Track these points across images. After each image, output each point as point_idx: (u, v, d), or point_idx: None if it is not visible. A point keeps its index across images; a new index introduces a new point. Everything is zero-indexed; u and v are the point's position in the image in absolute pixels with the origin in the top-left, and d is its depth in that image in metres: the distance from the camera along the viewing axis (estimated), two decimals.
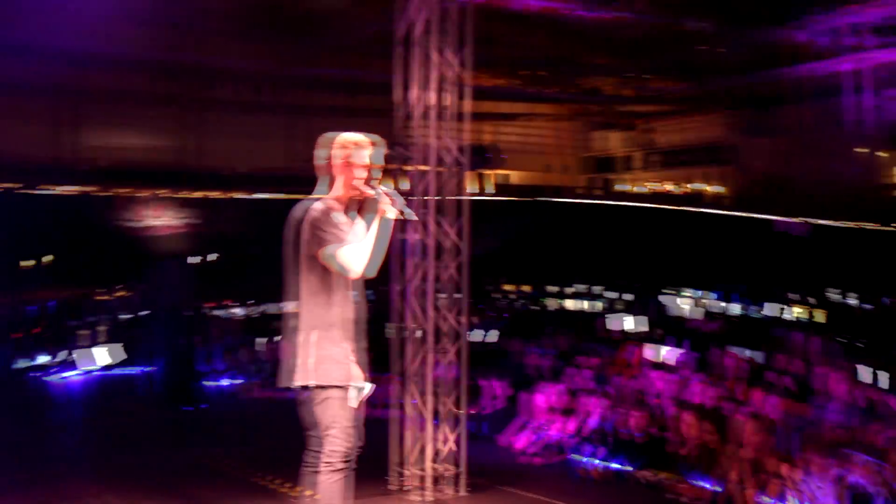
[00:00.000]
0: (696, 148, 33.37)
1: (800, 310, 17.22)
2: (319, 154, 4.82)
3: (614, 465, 7.39)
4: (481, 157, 7.87)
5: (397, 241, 7.19)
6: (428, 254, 7.14)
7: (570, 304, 19.06)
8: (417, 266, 7.23)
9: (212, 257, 24.46)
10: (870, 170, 25.67)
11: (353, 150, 4.77)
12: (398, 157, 7.26)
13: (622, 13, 20.57)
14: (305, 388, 4.70)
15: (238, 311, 16.67)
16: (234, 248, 24.80)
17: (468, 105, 7.32)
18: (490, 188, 31.85)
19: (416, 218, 4.69)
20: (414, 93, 7.25)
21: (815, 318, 16.18)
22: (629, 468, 7.27)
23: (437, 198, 7.19)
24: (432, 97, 7.19)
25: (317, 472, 4.68)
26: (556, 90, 30.09)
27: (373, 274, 4.69)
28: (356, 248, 4.65)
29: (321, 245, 4.61)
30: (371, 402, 9.32)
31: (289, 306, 4.78)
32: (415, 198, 7.23)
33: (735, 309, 18.06)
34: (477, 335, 12.72)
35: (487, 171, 30.09)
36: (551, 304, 19.63)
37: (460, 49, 7.12)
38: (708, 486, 6.67)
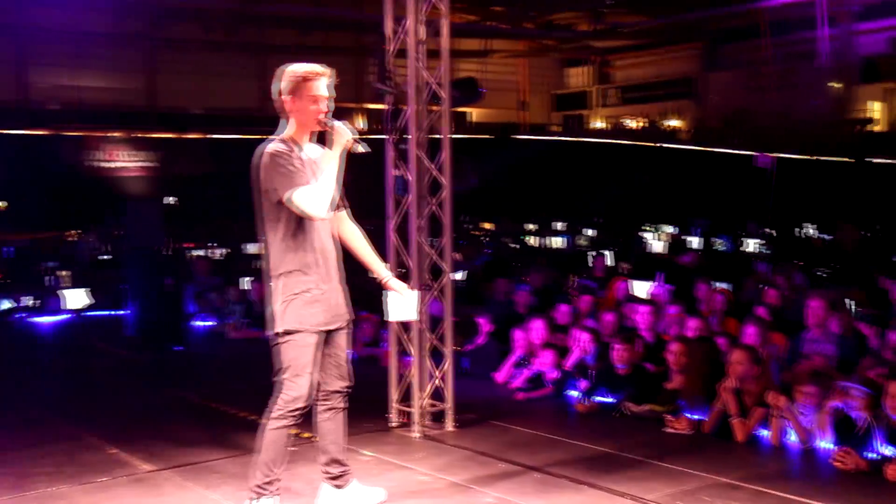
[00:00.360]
0: (655, 83, 33.40)
1: (759, 242, 17.39)
2: (275, 89, 4.62)
3: (601, 398, 7.44)
4: (464, 92, 7.72)
5: (387, 177, 7.14)
6: (411, 190, 7.06)
7: (554, 242, 19.15)
8: (400, 203, 7.17)
9: (170, 200, 24.11)
10: (833, 103, 25.80)
11: (308, 81, 4.57)
12: (382, 92, 7.13)
13: None
14: (277, 334, 4.58)
15: (217, 252, 16.48)
16: (194, 190, 24.49)
17: (448, 40, 7.20)
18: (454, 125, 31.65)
19: (368, 149, 4.58)
20: (390, 27, 7.11)
21: (775, 250, 16.35)
22: (615, 400, 7.32)
23: (420, 135, 7.09)
24: (421, 31, 7.04)
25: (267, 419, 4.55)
26: (513, 26, 29.81)
27: (327, 214, 4.52)
28: (315, 189, 4.44)
29: (281, 187, 4.42)
30: (361, 341, 9.29)
31: (259, 249, 4.68)
32: (395, 135, 7.15)
33: (698, 243, 18.19)
34: (461, 274, 12.75)
35: (465, 109, 29.92)
36: (531, 241, 19.71)
37: None
38: (694, 416, 6.73)
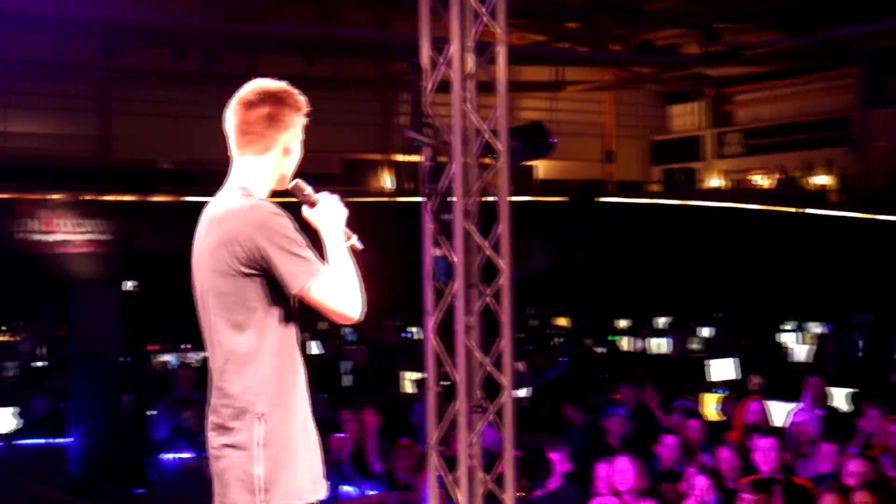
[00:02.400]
0: (792, 125, 33.48)
1: None
2: (258, 113, 4.19)
3: None
4: (529, 142, 7.77)
5: (424, 259, 7.23)
6: (456, 276, 7.15)
7: (655, 344, 19.12)
8: (442, 293, 7.26)
9: (129, 286, 24.38)
10: None
11: (304, 114, 4.26)
12: (418, 144, 7.26)
13: None
14: None
15: (192, 357, 16.65)
16: (161, 272, 24.80)
17: (506, 72, 7.36)
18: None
19: (360, 245, 4.25)
20: (427, 55, 7.29)
21: None
22: None
23: (468, 199, 7.21)
24: (469, 61, 7.22)
25: None
26: (594, 49, 30.13)
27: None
28: (347, 275, 4.11)
29: (299, 270, 4.00)
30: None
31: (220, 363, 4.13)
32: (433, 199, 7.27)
33: (862, 348, 18.06)
34: (525, 390, 12.81)
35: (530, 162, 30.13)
36: (623, 344, 19.66)
37: None
38: None
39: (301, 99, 4.23)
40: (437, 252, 7.30)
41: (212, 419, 4.14)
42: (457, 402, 7.14)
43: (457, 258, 7.15)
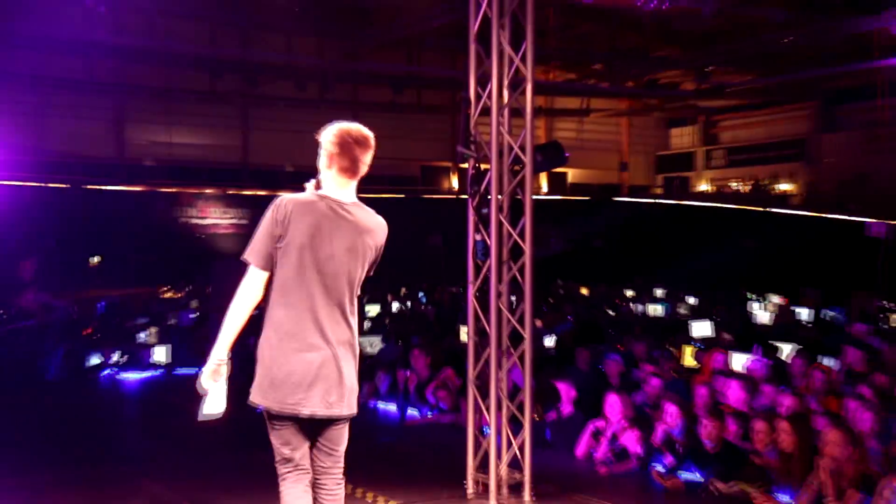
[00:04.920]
0: (764, 145, 33.05)
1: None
2: (367, 153, 4.53)
3: (687, 475, 7.39)
4: (548, 155, 7.93)
5: (468, 241, 7.31)
6: (491, 255, 7.22)
7: (649, 308, 18.99)
8: (480, 268, 7.33)
9: None
10: None
11: None
12: (465, 157, 7.32)
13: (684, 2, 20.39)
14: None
15: None
16: None
17: (531, 103, 7.37)
18: (545, 187, 31.90)
19: None
20: (473, 90, 7.34)
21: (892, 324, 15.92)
22: (702, 479, 7.27)
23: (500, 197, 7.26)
24: (505, 94, 7.26)
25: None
26: (613, 85, 29.91)
27: None
28: None
29: None
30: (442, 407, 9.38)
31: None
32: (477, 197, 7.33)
33: (808, 314, 17.79)
34: (551, 340, 12.79)
35: (563, 169, 30.01)
36: (630, 308, 19.57)
37: (526, 42, 7.16)
38: (786, 497, 6.65)
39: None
40: (478, 237, 7.36)
41: (344, 349, 4.41)
42: (489, 347, 7.22)
43: (492, 242, 7.22)
